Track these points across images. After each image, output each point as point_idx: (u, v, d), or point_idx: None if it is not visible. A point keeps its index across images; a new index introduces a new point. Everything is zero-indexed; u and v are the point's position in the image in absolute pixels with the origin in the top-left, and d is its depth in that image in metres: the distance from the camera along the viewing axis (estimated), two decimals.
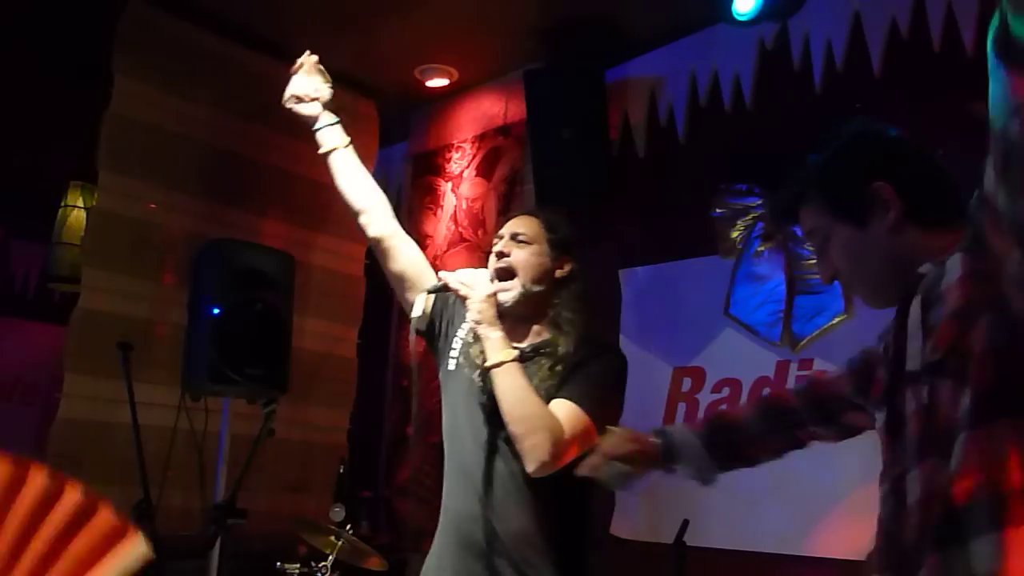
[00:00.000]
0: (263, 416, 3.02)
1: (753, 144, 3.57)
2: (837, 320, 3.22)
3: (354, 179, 2.17)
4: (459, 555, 1.94)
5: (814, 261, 3.25)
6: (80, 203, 4.89)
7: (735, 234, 3.57)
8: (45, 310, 5.81)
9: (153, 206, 3.72)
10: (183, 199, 3.81)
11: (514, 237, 2.05)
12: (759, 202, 3.52)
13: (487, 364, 1.90)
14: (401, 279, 2.14)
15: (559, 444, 1.82)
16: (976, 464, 1.14)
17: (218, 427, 3.34)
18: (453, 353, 2.09)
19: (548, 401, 1.89)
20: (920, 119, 2.74)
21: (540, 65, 4.10)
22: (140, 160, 3.68)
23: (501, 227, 2.13)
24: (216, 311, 3.10)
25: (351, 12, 3.92)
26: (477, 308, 1.92)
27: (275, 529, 3.46)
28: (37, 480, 0.93)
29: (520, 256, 2.02)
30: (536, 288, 2.01)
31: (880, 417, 1.38)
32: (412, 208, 4.93)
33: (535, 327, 2.03)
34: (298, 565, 3.18)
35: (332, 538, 3.16)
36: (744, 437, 1.74)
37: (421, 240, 4.80)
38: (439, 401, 2.13)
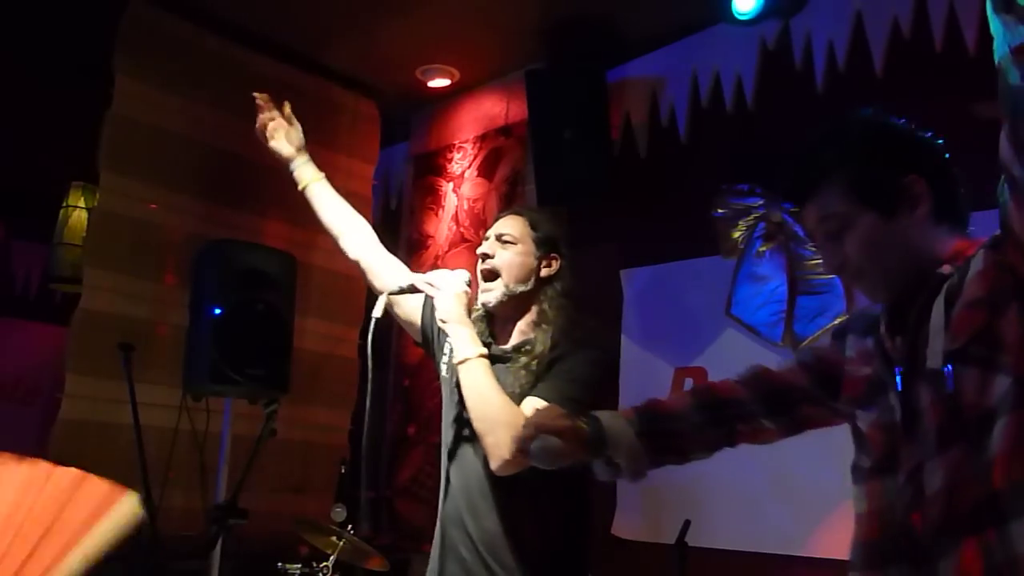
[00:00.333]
0: (264, 416, 3.02)
1: (755, 144, 3.57)
2: (839, 320, 3.21)
3: (331, 208, 2.31)
4: (445, 557, 1.95)
5: (816, 261, 3.28)
6: (81, 203, 4.89)
7: (737, 234, 3.57)
8: (46, 311, 5.81)
9: (154, 206, 3.72)
10: (184, 199, 3.81)
11: (499, 238, 2.06)
12: (761, 202, 3.51)
13: (455, 361, 1.92)
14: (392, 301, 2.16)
15: None
16: (1020, 446, 1.18)
17: (219, 427, 3.34)
18: (444, 359, 2.10)
19: (522, 399, 1.86)
20: (922, 119, 2.73)
21: (541, 65, 4.10)
22: (141, 160, 3.68)
23: (489, 228, 2.14)
24: (217, 311, 3.10)
25: (352, 12, 3.92)
26: (443, 306, 1.94)
27: (276, 529, 3.46)
28: (25, 467, 0.95)
29: (504, 257, 2.03)
30: (520, 288, 2.01)
31: (867, 415, 1.39)
32: (413, 208, 4.93)
33: (521, 325, 2.03)
34: (299, 565, 3.18)
35: (333, 538, 3.16)
36: (677, 427, 1.57)
37: (422, 240, 4.81)
38: (439, 401, 2.13)
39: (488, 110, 4.60)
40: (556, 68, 4.03)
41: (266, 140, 2.36)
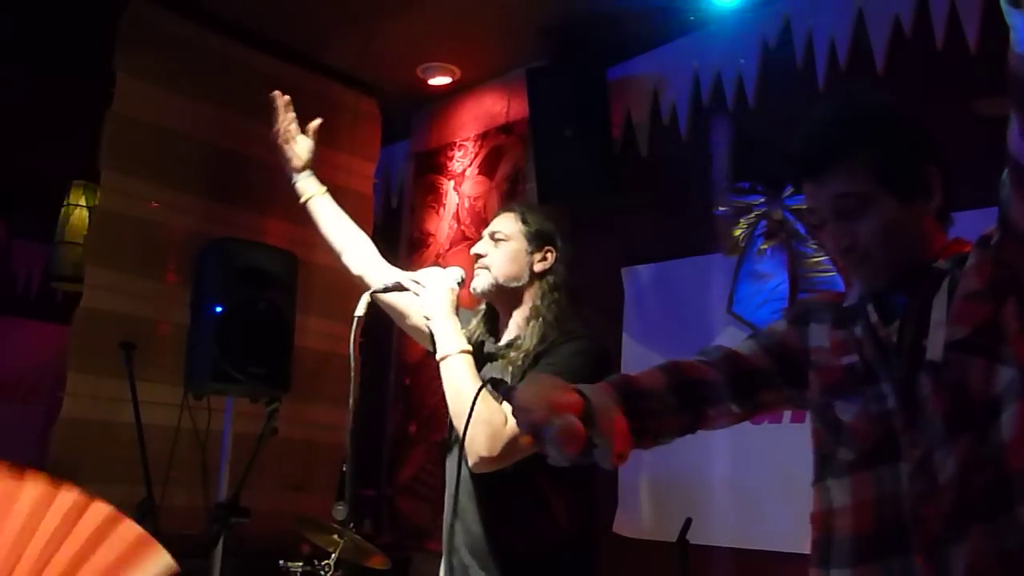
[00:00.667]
0: (266, 415, 3.02)
1: (756, 143, 3.56)
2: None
3: (333, 223, 2.30)
4: (445, 558, 1.94)
5: (817, 259, 3.28)
6: (83, 202, 4.89)
7: (738, 232, 3.56)
8: (48, 309, 5.81)
9: (155, 205, 3.72)
10: (186, 198, 3.82)
11: (492, 236, 2.07)
12: (762, 200, 3.51)
13: (437, 357, 1.91)
14: (391, 309, 2.18)
15: (497, 438, 1.76)
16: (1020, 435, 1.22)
17: (221, 426, 3.34)
18: None
19: None
20: (923, 117, 2.73)
21: (542, 63, 4.10)
22: (142, 159, 3.68)
23: (487, 224, 2.16)
24: (219, 310, 3.10)
25: (353, 11, 3.92)
26: (426, 304, 1.94)
27: (278, 528, 3.46)
28: (63, 495, 0.93)
29: (494, 255, 2.04)
30: (513, 283, 2.02)
31: (849, 405, 1.36)
32: (414, 206, 4.93)
33: (516, 321, 2.03)
34: (301, 564, 3.18)
35: (335, 536, 3.17)
36: (655, 407, 1.40)
37: (423, 238, 4.81)
38: (440, 399, 2.12)
39: (489, 108, 4.60)
40: (557, 66, 4.03)
41: (284, 142, 2.33)
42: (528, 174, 4.25)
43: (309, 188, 2.33)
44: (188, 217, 3.81)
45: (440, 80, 4.55)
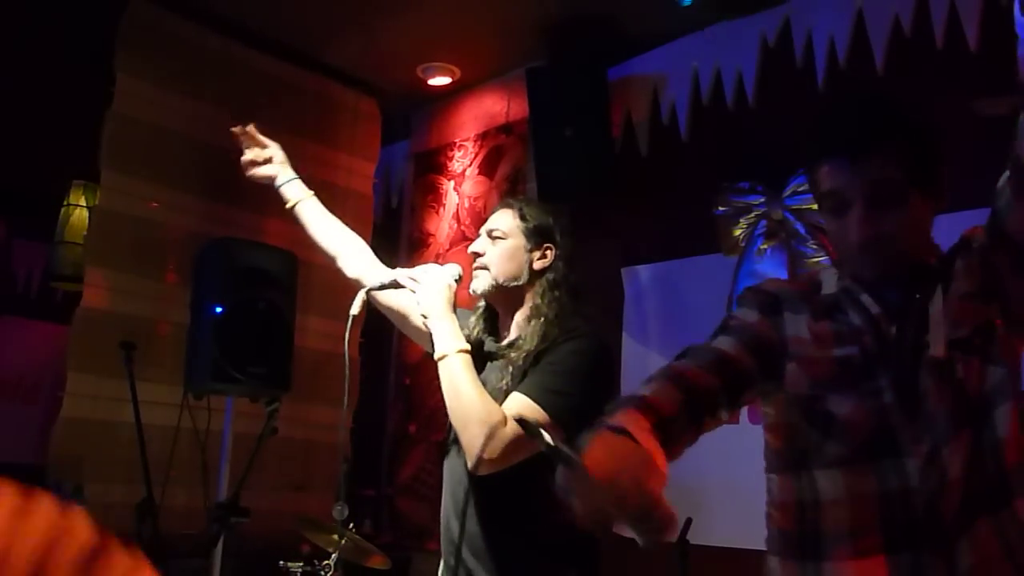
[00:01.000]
0: (266, 415, 3.02)
1: (756, 142, 3.56)
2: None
3: (322, 227, 2.23)
4: (445, 559, 1.93)
5: (816, 259, 3.28)
6: (82, 202, 4.89)
7: (738, 232, 3.56)
8: (48, 309, 5.82)
9: (155, 205, 3.72)
10: (185, 198, 3.81)
11: (490, 234, 2.02)
12: (762, 200, 3.51)
13: (435, 357, 1.87)
14: (391, 311, 2.14)
15: (496, 439, 1.72)
16: (1019, 431, 1.27)
17: (221, 426, 3.33)
18: None
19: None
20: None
21: (542, 63, 4.09)
22: (142, 159, 3.68)
23: (484, 221, 2.11)
24: (219, 310, 3.10)
25: (353, 10, 3.92)
26: (424, 302, 1.90)
27: (278, 528, 3.46)
28: (44, 512, 0.88)
29: (493, 253, 1.99)
30: (513, 282, 1.97)
31: (842, 398, 1.33)
32: (414, 206, 4.93)
33: (517, 320, 1.98)
34: (301, 564, 3.18)
35: (335, 536, 3.16)
36: (678, 433, 1.31)
37: (423, 238, 4.81)
38: (440, 399, 2.11)
39: (489, 108, 4.60)
40: (557, 66, 4.03)
41: (249, 172, 2.32)
42: (528, 174, 4.25)
43: (293, 193, 2.26)
44: (188, 217, 3.81)
45: (440, 80, 4.55)
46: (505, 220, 2.03)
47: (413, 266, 2.14)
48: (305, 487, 4.12)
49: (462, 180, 4.67)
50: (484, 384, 1.85)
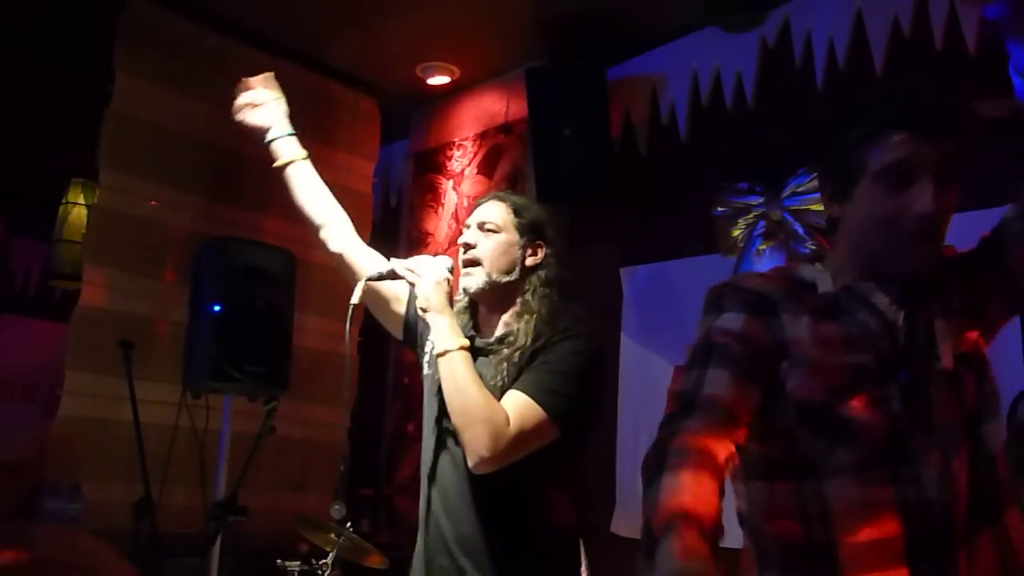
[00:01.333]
0: (264, 414, 3.02)
1: (755, 142, 3.57)
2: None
3: (313, 193, 2.09)
4: (424, 558, 1.90)
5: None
6: (81, 200, 4.89)
7: (736, 233, 3.56)
8: (46, 307, 5.82)
9: (154, 204, 3.72)
10: (184, 196, 3.81)
11: (481, 226, 1.96)
12: (760, 200, 3.51)
13: (434, 352, 1.84)
14: (375, 294, 2.08)
15: (500, 438, 1.71)
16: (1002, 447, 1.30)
17: (219, 425, 3.33)
18: (426, 356, 2.03)
19: (505, 393, 1.79)
20: None
21: (542, 63, 4.10)
22: (141, 157, 3.68)
23: (470, 214, 2.03)
24: (217, 309, 3.10)
25: (353, 10, 3.92)
26: (424, 295, 1.86)
27: (276, 527, 3.46)
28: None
29: (486, 247, 1.94)
30: (505, 278, 1.93)
31: (859, 405, 1.28)
32: (413, 206, 4.93)
33: (505, 317, 1.95)
34: (299, 563, 3.18)
35: (333, 536, 3.17)
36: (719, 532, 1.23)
37: (422, 238, 4.81)
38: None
39: (488, 108, 4.59)
40: (556, 66, 4.04)
41: (239, 115, 2.15)
42: (527, 174, 4.25)
43: (286, 151, 2.09)
44: (187, 216, 3.80)
45: (439, 79, 4.55)
46: (498, 213, 1.97)
47: None
48: (303, 486, 4.11)
49: (461, 180, 4.67)
50: None
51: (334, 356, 4.25)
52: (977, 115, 2.74)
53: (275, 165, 2.07)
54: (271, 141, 2.11)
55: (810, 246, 3.32)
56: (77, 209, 4.87)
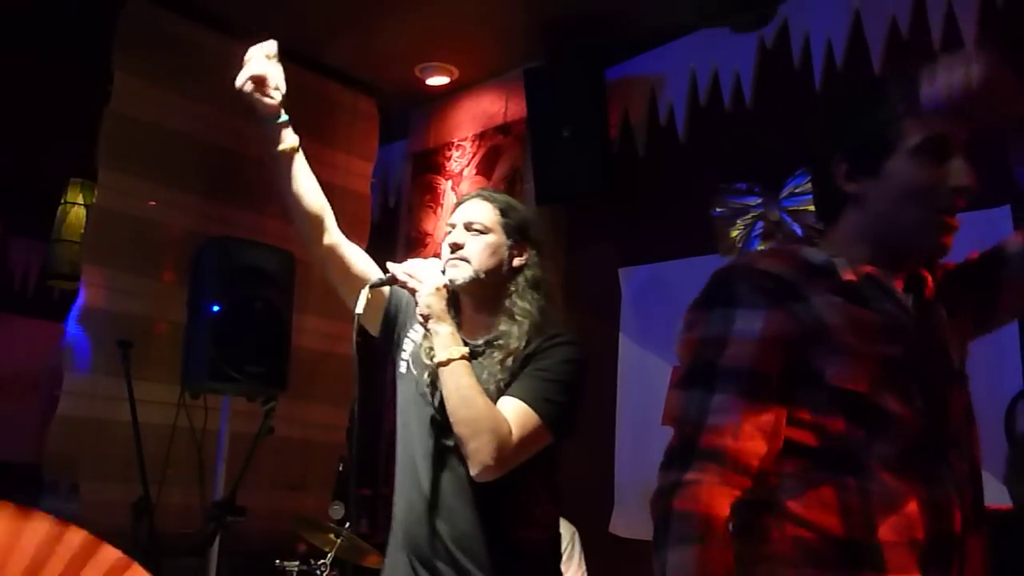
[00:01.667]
0: (263, 414, 3.02)
1: (753, 143, 3.57)
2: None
3: (311, 183, 2.00)
4: (406, 560, 1.89)
5: None
6: (80, 200, 4.89)
7: (735, 233, 3.57)
8: (44, 307, 5.81)
9: (153, 203, 3.72)
10: (183, 196, 3.81)
11: (468, 226, 1.94)
12: (759, 201, 3.52)
13: (435, 361, 1.83)
14: (342, 266, 2.03)
15: (504, 448, 1.73)
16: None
17: (217, 425, 3.33)
18: (404, 355, 2.02)
19: (498, 397, 1.80)
20: None
21: (540, 64, 4.10)
22: (140, 157, 3.68)
23: (453, 212, 2.01)
24: (216, 309, 3.10)
25: (352, 10, 3.92)
26: (426, 302, 1.85)
27: (274, 527, 3.46)
28: (39, 525, 0.90)
29: (474, 247, 1.92)
30: (491, 279, 1.92)
31: (894, 398, 1.25)
32: (412, 206, 4.93)
33: (492, 320, 1.93)
34: (297, 563, 3.18)
35: (331, 536, 3.17)
36: None
37: (421, 238, 4.81)
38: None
39: (487, 108, 4.60)
40: (555, 66, 4.04)
41: (249, 88, 2.04)
42: (526, 174, 4.25)
43: (290, 137, 1.98)
44: (185, 216, 3.81)
45: (438, 80, 4.56)
46: (485, 213, 1.96)
47: None
48: (301, 486, 4.11)
49: (460, 180, 4.67)
50: None
51: (333, 356, 4.26)
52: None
53: (281, 148, 1.97)
54: (282, 124, 2.02)
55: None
56: (76, 209, 4.87)
